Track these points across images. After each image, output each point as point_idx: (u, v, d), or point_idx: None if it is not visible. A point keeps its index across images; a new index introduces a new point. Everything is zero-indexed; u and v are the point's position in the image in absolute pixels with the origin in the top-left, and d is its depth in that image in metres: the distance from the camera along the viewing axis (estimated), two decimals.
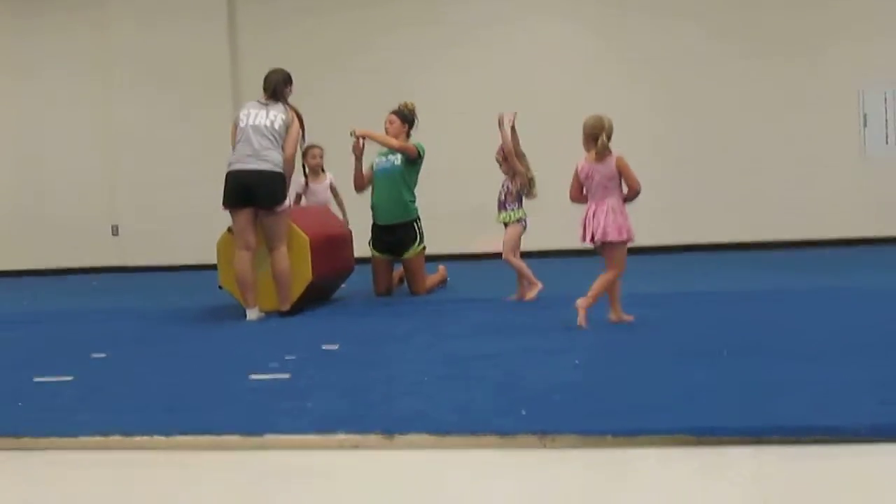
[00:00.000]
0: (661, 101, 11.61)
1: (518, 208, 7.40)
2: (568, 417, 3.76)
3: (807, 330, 5.52)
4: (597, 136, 5.96)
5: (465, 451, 3.57)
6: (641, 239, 6.19)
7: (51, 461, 3.78)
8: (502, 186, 7.44)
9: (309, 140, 8.18)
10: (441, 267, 8.97)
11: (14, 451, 3.89)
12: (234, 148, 7.31)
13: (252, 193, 7.15)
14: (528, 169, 7.38)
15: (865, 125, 11.41)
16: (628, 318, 6.10)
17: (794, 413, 3.63)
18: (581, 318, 5.90)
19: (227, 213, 7.36)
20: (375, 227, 8.40)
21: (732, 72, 11.58)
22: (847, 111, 11.42)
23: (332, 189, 9.02)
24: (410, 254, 8.27)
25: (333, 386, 4.59)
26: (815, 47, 11.48)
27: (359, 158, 8.35)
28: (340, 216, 8.94)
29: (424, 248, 8.35)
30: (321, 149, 8.94)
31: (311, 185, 8.93)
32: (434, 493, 3.22)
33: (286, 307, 7.26)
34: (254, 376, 4.89)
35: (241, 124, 7.29)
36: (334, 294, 8.41)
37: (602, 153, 5.96)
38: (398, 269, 8.56)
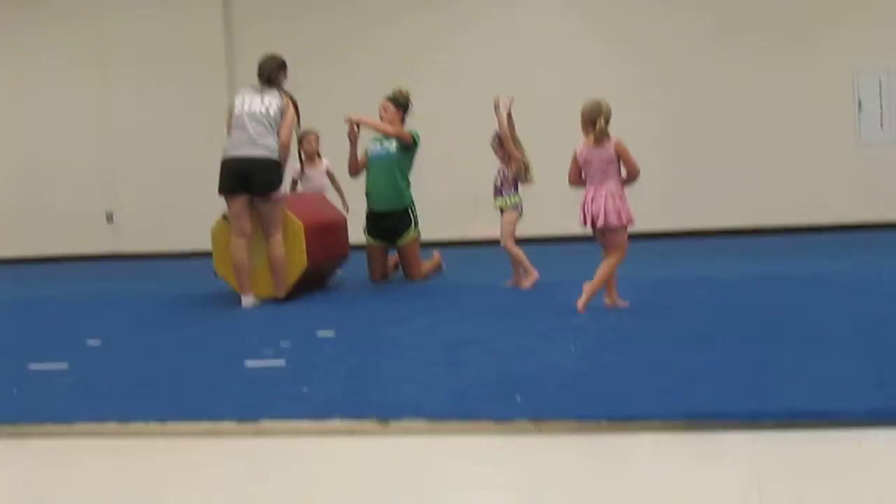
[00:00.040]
0: (657, 87, 11.57)
1: (514, 194, 7.39)
2: (563, 403, 3.76)
3: (802, 314, 5.53)
4: (595, 120, 5.96)
5: (461, 436, 3.58)
6: (636, 225, 6.19)
7: (46, 448, 3.78)
8: (498, 172, 7.43)
9: (305, 126, 8.16)
10: (436, 253, 8.96)
11: (9, 439, 3.89)
12: (229, 134, 7.29)
13: (248, 180, 7.14)
14: (523, 154, 7.37)
15: (860, 110, 11.40)
16: (623, 303, 6.11)
17: (790, 397, 3.64)
18: (582, 301, 5.90)
19: (222, 200, 7.35)
20: (370, 214, 8.39)
21: (728, 58, 11.55)
22: (842, 96, 11.40)
23: (330, 175, 9.00)
24: (405, 240, 8.26)
25: (329, 372, 4.60)
26: (810, 33, 11.45)
27: (353, 144, 8.34)
28: (336, 203, 8.91)
29: (419, 234, 8.34)
30: (317, 135, 8.91)
31: (306, 171, 8.91)
32: (429, 479, 3.23)
33: (282, 294, 7.26)
34: (249, 363, 4.89)
35: (237, 111, 7.27)
36: (330, 280, 8.40)
37: (600, 138, 5.96)
38: (393, 256, 8.55)
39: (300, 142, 8.65)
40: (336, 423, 3.71)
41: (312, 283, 7.83)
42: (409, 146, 8.31)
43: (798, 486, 2.91)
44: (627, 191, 6.07)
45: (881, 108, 11.36)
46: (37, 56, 13.16)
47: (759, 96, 11.50)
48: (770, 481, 2.92)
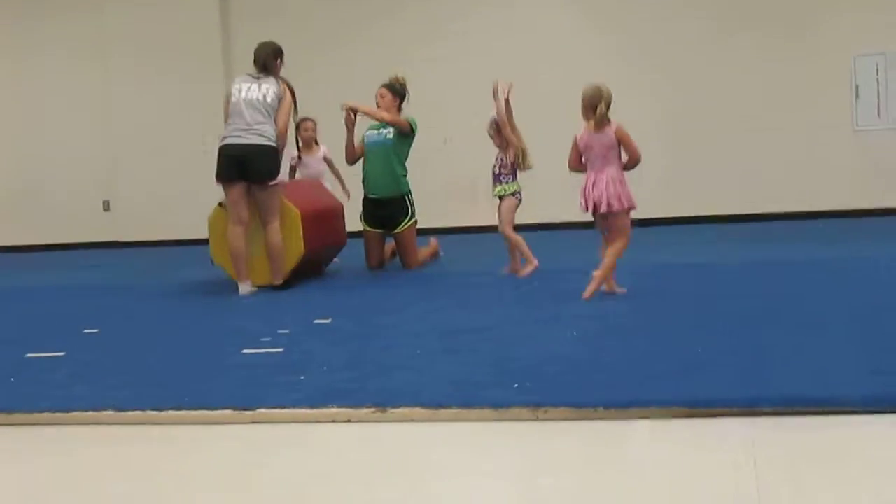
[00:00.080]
0: (655, 75, 11.53)
1: (513, 181, 7.36)
2: (561, 390, 3.76)
3: (799, 301, 5.53)
4: (595, 105, 5.95)
5: (459, 423, 3.58)
6: (635, 212, 6.18)
7: (43, 437, 3.78)
8: (496, 159, 7.41)
9: (302, 113, 8.14)
10: (433, 240, 8.95)
11: (6, 427, 3.89)
12: (226, 122, 7.27)
13: (245, 167, 7.13)
14: (520, 140, 7.35)
15: (857, 98, 11.39)
16: (621, 289, 6.10)
17: (787, 384, 3.64)
18: (590, 290, 5.92)
19: (219, 188, 7.34)
20: (367, 202, 8.38)
21: (725, 46, 11.51)
22: (839, 84, 11.38)
23: (328, 161, 8.98)
24: (402, 228, 8.25)
25: (326, 360, 4.59)
26: (807, 20, 11.42)
27: (350, 131, 8.33)
28: (335, 189, 8.89)
29: (416, 221, 8.33)
30: (314, 121, 8.89)
31: (303, 157, 8.89)
32: (428, 466, 3.22)
33: (279, 281, 7.25)
34: (246, 351, 4.90)
35: (234, 98, 7.25)
36: (327, 268, 8.40)
37: (601, 123, 5.95)
38: (390, 243, 8.54)
39: (297, 129, 8.63)
40: (334, 411, 3.70)
41: (309, 270, 7.82)
42: (406, 133, 8.29)
43: (795, 472, 2.91)
44: (626, 177, 6.06)
45: (878, 95, 11.34)
46: (37, 47, 13.12)
47: (757, 84, 11.48)
48: (767, 467, 2.92)
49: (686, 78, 11.61)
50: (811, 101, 11.37)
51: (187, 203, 11.51)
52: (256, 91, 7.23)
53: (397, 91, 8.38)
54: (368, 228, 8.35)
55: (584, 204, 6.05)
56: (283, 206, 7.35)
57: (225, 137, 7.23)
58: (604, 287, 6.10)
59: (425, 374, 4.17)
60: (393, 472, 3.14)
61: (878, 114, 11.35)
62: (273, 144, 7.21)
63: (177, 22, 12.57)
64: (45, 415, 3.92)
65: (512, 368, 4.16)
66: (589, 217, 6.17)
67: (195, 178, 10.60)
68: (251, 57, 7.47)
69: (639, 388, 3.72)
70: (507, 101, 7.28)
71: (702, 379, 3.80)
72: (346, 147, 8.41)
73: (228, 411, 3.79)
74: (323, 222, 7.93)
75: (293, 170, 8.85)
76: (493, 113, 7.34)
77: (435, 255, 8.77)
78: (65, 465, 3.44)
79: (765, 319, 4.96)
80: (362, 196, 8.42)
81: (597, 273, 5.98)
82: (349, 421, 3.66)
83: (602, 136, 5.97)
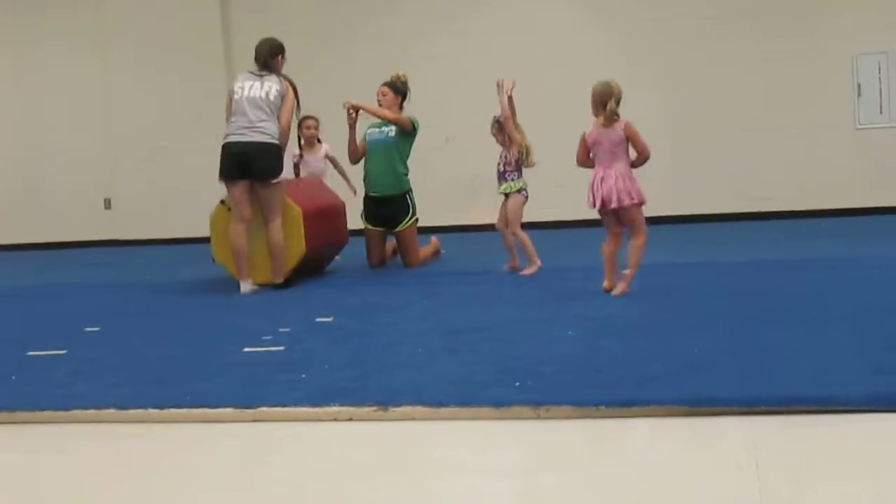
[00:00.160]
0: (655, 73, 11.50)
1: (518, 178, 7.35)
2: (562, 388, 3.76)
3: (801, 300, 5.53)
4: (605, 102, 5.96)
5: (460, 422, 3.58)
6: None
7: (45, 435, 3.78)
8: (500, 157, 7.41)
9: (303, 111, 8.13)
10: (434, 238, 8.95)
11: (8, 425, 3.89)
12: (229, 120, 7.27)
13: (249, 165, 7.12)
14: (524, 137, 7.35)
15: (859, 96, 11.38)
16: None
17: (789, 383, 3.64)
18: (620, 289, 5.97)
19: (220, 186, 7.34)
20: (368, 200, 8.38)
21: (727, 44, 11.50)
22: (841, 81, 11.37)
23: (332, 160, 8.98)
24: (403, 226, 8.25)
25: (328, 358, 4.59)
26: (809, 17, 11.40)
27: (353, 129, 8.32)
28: (335, 187, 8.88)
29: (417, 220, 8.33)
30: (316, 120, 8.88)
31: (305, 156, 8.89)
32: (429, 465, 3.22)
33: (280, 280, 7.25)
34: (248, 349, 4.90)
35: (236, 96, 7.24)
36: (328, 266, 8.39)
37: (610, 119, 5.96)
38: (391, 242, 8.54)
39: (300, 126, 8.63)
40: (335, 409, 3.71)
41: (311, 268, 7.82)
42: (408, 132, 8.29)
43: (796, 471, 2.91)
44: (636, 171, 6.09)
45: (880, 93, 11.34)
46: (36, 42, 13.10)
47: (759, 82, 11.47)
48: (769, 466, 2.92)
49: (687, 76, 11.59)
50: (813, 99, 11.36)
51: (188, 201, 11.51)
52: (259, 89, 7.22)
53: (399, 89, 8.39)
54: (370, 227, 8.35)
55: (591, 200, 6.06)
56: (286, 205, 7.35)
57: (228, 135, 7.22)
58: (605, 284, 6.10)
59: (427, 373, 4.17)
60: (394, 471, 3.14)
61: (881, 111, 11.34)
62: (276, 142, 7.21)
63: (178, 18, 12.55)
64: (46, 413, 3.92)
65: (513, 367, 4.16)
66: (588, 215, 6.18)
67: (197, 176, 10.59)
68: (252, 54, 7.46)
69: (640, 386, 3.72)
70: (510, 97, 7.29)
71: (703, 378, 3.80)
72: (349, 146, 8.40)
73: (230, 409, 3.79)
74: (324, 220, 7.93)
75: (296, 167, 8.85)
76: (496, 113, 7.35)
77: (436, 253, 8.77)
78: (66, 464, 3.44)
79: (766, 318, 4.96)
80: (363, 194, 8.42)
81: (626, 272, 6.02)
82: (350, 419, 3.66)
83: (610, 133, 5.98)
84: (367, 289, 7.14)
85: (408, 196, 8.31)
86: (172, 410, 3.83)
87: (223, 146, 7.21)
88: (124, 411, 3.86)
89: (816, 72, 11.37)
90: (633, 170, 6.07)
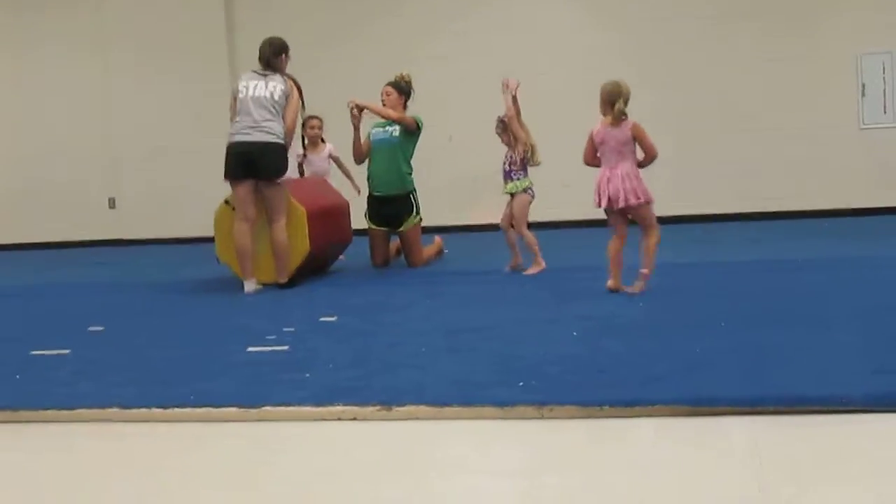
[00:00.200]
0: (657, 72, 11.49)
1: (524, 177, 7.36)
2: (566, 388, 3.77)
3: (803, 300, 5.53)
4: (614, 101, 5.97)
5: (464, 422, 3.58)
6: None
7: (48, 434, 3.79)
8: (506, 157, 7.41)
9: (308, 110, 8.14)
10: (437, 238, 8.96)
11: (11, 424, 3.90)
12: (233, 120, 7.27)
13: (254, 165, 7.13)
14: (528, 136, 7.35)
15: (863, 95, 11.37)
16: (626, 288, 6.10)
17: (790, 383, 3.64)
18: (639, 286, 5.99)
19: (224, 185, 7.34)
20: (372, 200, 8.38)
21: (729, 44, 11.49)
22: (845, 81, 11.36)
23: (335, 160, 8.99)
24: (407, 226, 8.25)
25: (332, 358, 4.60)
26: (812, 17, 11.40)
27: (357, 129, 8.31)
28: (339, 187, 8.88)
29: (421, 220, 8.33)
30: (320, 119, 8.89)
31: (309, 155, 8.90)
32: (432, 465, 3.23)
33: (284, 279, 7.25)
34: (252, 348, 4.90)
35: (241, 95, 7.24)
36: (332, 266, 8.40)
37: (618, 118, 5.97)
38: (395, 241, 8.55)
39: (303, 126, 8.64)
40: (339, 409, 3.71)
41: (315, 268, 7.83)
42: (412, 132, 8.29)
43: (798, 471, 2.91)
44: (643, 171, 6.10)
45: (884, 93, 11.33)
46: (37, 42, 13.11)
47: (762, 82, 11.46)
48: (771, 466, 2.93)
49: (689, 76, 11.59)
50: (816, 99, 11.35)
51: (193, 201, 11.52)
52: (263, 88, 7.22)
53: (403, 89, 8.39)
54: (373, 226, 8.36)
55: (598, 200, 6.06)
56: (289, 204, 7.35)
57: (233, 135, 7.23)
58: (610, 283, 6.10)
59: (430, 373, 4.18)
60: (398, 470, 3.14)
61: (885, 111, 11.33)
62: (281, 142, 7.21)
63: (180, 15, 12.55)
64: (50, 412, 3.93)
65: (517, 367, 4.16)
66: (595, 215, 6.17)
67: (200, 175, 10.60)
68: (255, 52, 7.46)
69: (643, 386, 3.72)
70: (514, 97, 7.29)
71: (706, 378, 3.80)
72: (354, 146, 8.38)
73: (234, 409, 3.80)
74: (328, 220, 7.94)
75: (300, 167, 8.85)
76: (501, 114, 7.35)
77: (440, 253, 8.78)
78: (69, 463, 3.44)
79: (768, 318, 4.96)
80: (367, 194, 8.42)
81: (644, 271, 6.03)
82: (354, 419, 3.66)
83: (618, 132, 5.99)
84: (370, 288, 7.15)
85: (411, 196, 8.31)
86: (176, 410, 3.84)
87: (228, 146, 7.22)
88: (128, 411, 3.87)
89: (818, 72, 11.37)
90: (640, 170, 6.09)
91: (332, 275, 8.05)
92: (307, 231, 7.37)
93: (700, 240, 9.64)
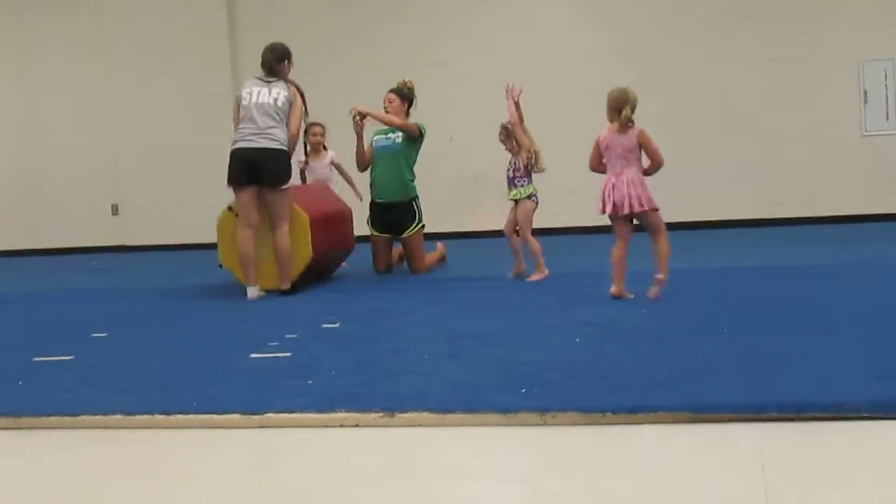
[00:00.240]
0: (657, 72, 11.49)
1: (528, 184, 7.36)
2: (568, 395, 3.76)
3: (806, 306, 5.53)
4: (621, 108, 5.99)
5: (466, 428, 3.58)
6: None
7: (51, 440, 3.79)
8: (510, 163, 7.41)
9: (310, 117, 8.15)
10: (440, 245, 8.96)
11: (14, 431, 3.90)
12: (237, 126, 7.28)
13: (258, 171, 7.13)
14: (532, 142, 7.36)
15: (866, 101, 11.37)
16: (629, 294, 6.10)
17: (793, 389, 3.64)
18: (654, 292, 6.00)
19: (227, 191, 7.35)
20: (374, 206, 8.38)
21: (730, 49, 11.51)
22: (847, 87, 11.37)
23: (337, 167, 8.99)
24: (409, 233, 8.25)
25: (334, 364, 4.60)
26: (814, 23, 11.42)
27: (360, 136, 8.31)
28: (341, 193, 8.88)
29: (423, 226, 8.33)
30: (322, 126, 8.90)
31: (311, 162, 8.91)
32: (435, 471, 3.23)
33: (286, 286, 7.25)
34: (254, 355, 4.90)
35: (244, 102, 7.25)
36: (334, 272, 8.40)
37: (625, 125, 5.98)
38: (397, 248, 8.55)
39: (306, 133, 8.64)
40: (341, 415, 3.71)
41: (317, 274, 7.83)
42: (415, 138, 8.29)
43: (802, 477, 2.91)
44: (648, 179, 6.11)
45: (887, 99, 11.33)
46: (36, 42, 13.14)
47: (763, 88, 11.47)
48: (774, 473, 2.92)
49: (689, 77, 11.59)
50: (818, 105, 11.36)
51: (195, 206, 11.53)
52: (267, 95, 7.23)
53: (405, 96, 8.39)
54: (376, 233, 8.36)
55: (602, 206, 6.07)
56: (292, 211, 7.36)
57: (236, 141, 7.24)
58: (613, 290, 6.10)
59: (433, 379, 4.18)
60: (400, 477, 3.14)
61: (888, 118, 11.33)
62: (284, 148, 7.22)
63: (181, 17, 12.57)
64: (52, 418, 3.93)
65: (519, 373, 4.16)
66: (601, 222, 6.17)
67: (203, 181, 10.61)
68: (257, 55, 7.47)
69: (646, 393, 3.72)
70: (516, 103, 7.30)
71: (708, 384, 3.80)
72: (357, 153, 8.37)
73: (236, 415, 3.79)
74: (331, 227, 7.94)
75: (302, 174, 8.86)
76: (503, 121, 7.36)
77: (442, 259, 8.78)
78: (73, 470, 3.44)
79: (771, 324, 4.96)
80: (370, 201, 8.42)
81: (660, 276, 6.04)
82: (357, 425, 3.66)
83: (624, 139, 6.00)
84: (373, 295, 7.15)
85: (414, 203, 8.31)
86: (179, 416, 3.84)
87: (232, 152, 7.23)
88: (131, 417, 3.87)
89: (821, 78, 11.38)
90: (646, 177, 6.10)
91: (335, 281, 8.06)
92: (310, 237, 7.38)
93: (700, 246, 9.62)
